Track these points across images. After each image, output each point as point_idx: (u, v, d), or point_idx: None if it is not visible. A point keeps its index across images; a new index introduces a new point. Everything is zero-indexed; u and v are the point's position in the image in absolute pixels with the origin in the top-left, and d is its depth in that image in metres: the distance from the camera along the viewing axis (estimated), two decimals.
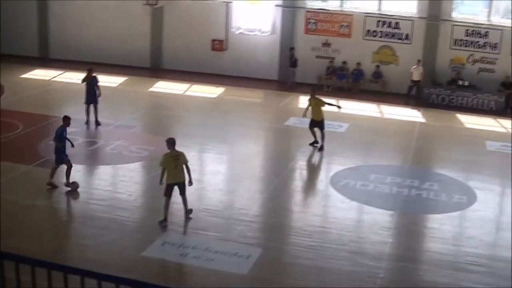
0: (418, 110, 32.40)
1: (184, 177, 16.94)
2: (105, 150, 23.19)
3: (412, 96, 34.03)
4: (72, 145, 19.37)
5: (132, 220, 17.40)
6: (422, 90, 34.06)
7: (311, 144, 24.68)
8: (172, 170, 16.74)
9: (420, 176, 22.38)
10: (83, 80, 25.86)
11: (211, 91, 33.64)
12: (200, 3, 37.02)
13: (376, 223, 18.01)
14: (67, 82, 33.20)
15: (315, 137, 24.66)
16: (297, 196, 20.28)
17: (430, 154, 26.21)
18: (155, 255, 15.35)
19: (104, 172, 21.28)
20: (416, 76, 33.80)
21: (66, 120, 18.88)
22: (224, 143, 24.77)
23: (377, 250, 16.38)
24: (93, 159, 22.25)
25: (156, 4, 36.92)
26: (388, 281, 15.00)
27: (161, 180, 16.77)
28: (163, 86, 34.20)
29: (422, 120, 30.92)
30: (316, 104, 24.55)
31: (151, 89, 33.55)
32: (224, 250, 15.71)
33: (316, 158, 24.13)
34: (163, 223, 16.75)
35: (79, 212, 17.89)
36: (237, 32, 36.55)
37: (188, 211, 17.29)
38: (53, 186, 18.84)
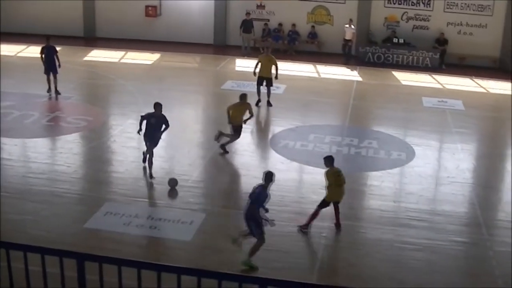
0: (354, 69, 32.63)
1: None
2: (42, 122, 22.81)
3: (346, 54, 34.26)
4: None
5: (72, 192, 17.16)
6: (352, 49, 34.44)
7: (256, 105, 25.04)
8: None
9: (359, 135, 22.63)
10: (41, 51, 25.84)
11: (146, 58, 33.35)
12: None
13: (317, 182, 18.08)
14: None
15: (259, 95, 25.29)
16: (238, 159, 20.26)
17: (368, 112, 26.47)
18: (98, 226, 15.20)
19: (41, 144, 20.87)
20: (348, 35, 34.03)
21: None
22: (162, 110, 24.62)
23: None
24: (30, 132, 21.72)
25: None
26: (331, 240, 15.24)
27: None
28: (97, 55, 33.74)
29: (359, 79, 31.16)
30: (269, 61, 25.08)
31: (86, 58, 33.05)
32: (167, 217, 15.74)
33: (254, 120, 24.16)
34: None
35: (17, 187, 17.38)
36: None
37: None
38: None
